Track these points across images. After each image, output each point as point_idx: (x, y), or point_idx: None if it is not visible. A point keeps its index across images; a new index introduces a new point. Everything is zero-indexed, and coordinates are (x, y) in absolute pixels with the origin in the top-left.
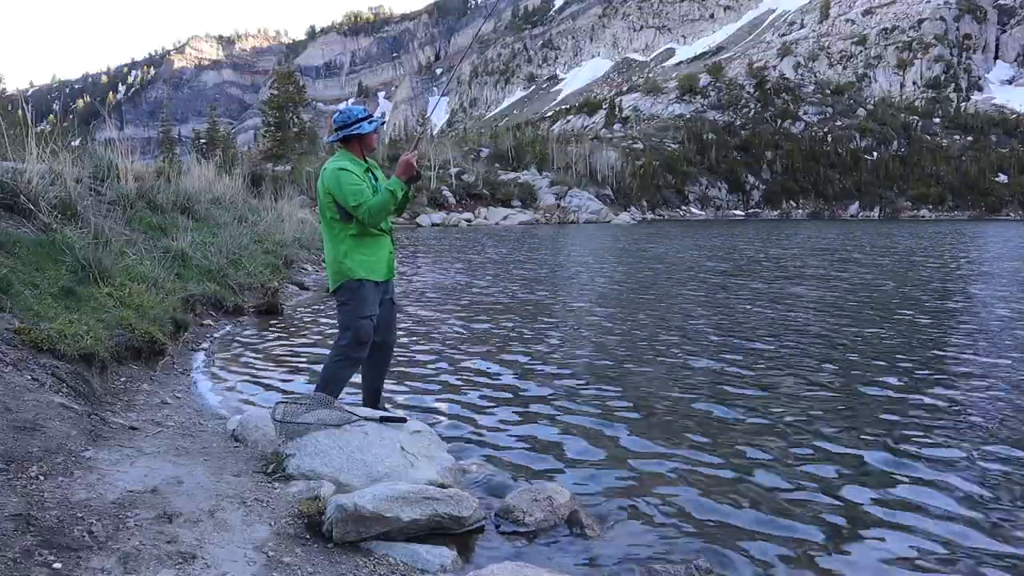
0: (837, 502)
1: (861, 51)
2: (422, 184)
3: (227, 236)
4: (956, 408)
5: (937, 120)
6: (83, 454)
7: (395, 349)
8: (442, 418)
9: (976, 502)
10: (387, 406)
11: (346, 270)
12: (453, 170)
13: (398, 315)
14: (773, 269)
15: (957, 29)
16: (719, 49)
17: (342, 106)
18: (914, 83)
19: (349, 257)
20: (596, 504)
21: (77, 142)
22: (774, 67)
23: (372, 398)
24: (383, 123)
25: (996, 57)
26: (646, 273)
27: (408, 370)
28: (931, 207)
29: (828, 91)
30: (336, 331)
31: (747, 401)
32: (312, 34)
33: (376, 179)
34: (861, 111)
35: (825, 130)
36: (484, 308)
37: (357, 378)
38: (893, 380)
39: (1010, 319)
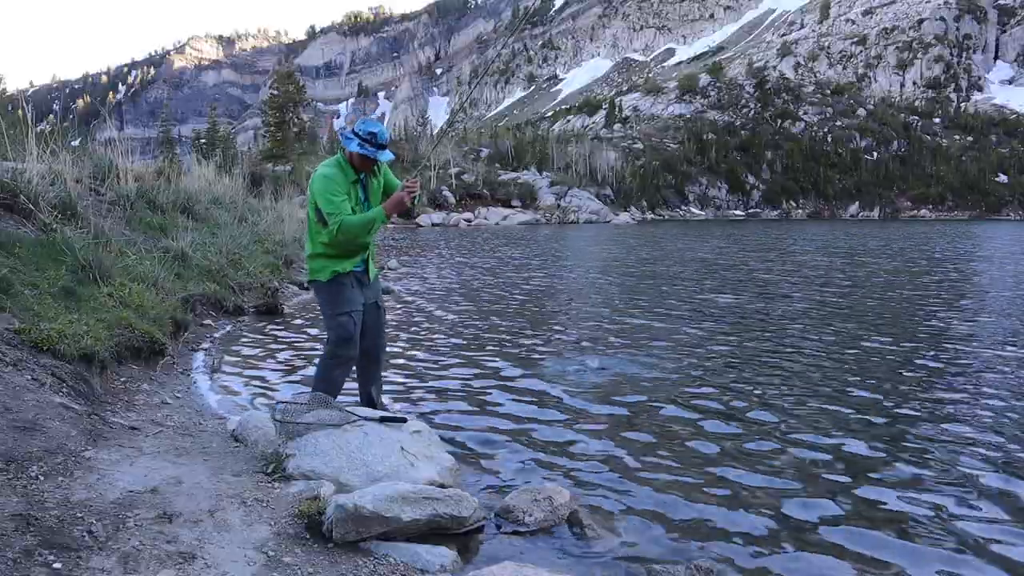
0: (838, 501)
1: (861, 51)
2: (422, 185)
3: (227, 236)
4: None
5: (937, 120)
6: (83, 454)
7: (395, 348)
8: (442, 418)
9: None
10: (386, 403)
11: (317, 268)
12: (453, 170)
13: (400, 316)
14: (728, 273)
15: (957, 29)
16: (719, 49)
17: (376, 122)
18: (914, 83)
19: (320, 259)
20: (596, 504)
21: (77, 142)
22: (774, 67)
23: (368, 404)
24: (375, 158)
25: (996, 57)
26: (636, 273)
27: (408, 371)
28: (931, 207)
29: (828, 91)
30: None
31: (745, 402)
32: (312, 34)
33: (366, 188)
34: (861, 111)
35: (825, 130)
36: (482, 308)
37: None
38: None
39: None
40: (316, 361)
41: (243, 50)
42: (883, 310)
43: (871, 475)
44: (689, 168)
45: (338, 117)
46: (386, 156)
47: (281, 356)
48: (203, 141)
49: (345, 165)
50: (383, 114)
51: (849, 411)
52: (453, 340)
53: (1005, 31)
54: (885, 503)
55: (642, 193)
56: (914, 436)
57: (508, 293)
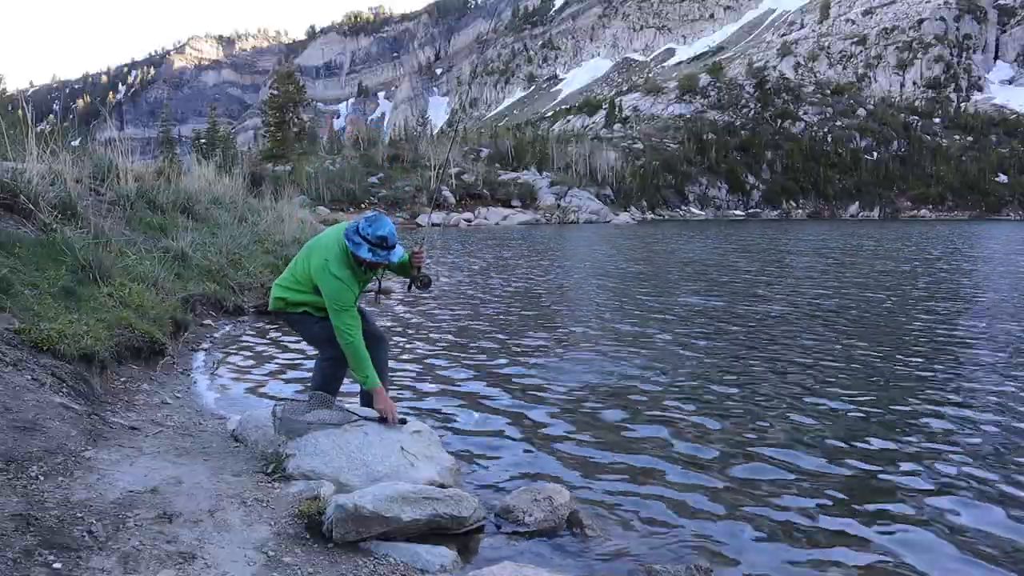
0: (838, 501)
1: (861, 51)
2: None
3: (227, 236)
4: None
5: (937, 120)
6: (83, 454)
7: (394, 349)
8: (442, 418)
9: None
10: None
11: (286, 306)
12: (453, 170)
13: (399, 316)
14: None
15: (957, 29)
16: (719, 49)
17: (383, 220)
18: (914, 83)
19: (302, 306)
20: (596, 504)
21: (77, 142)
22: (774, 67)
23: (368, 404)
24: (389, 261)
25: (996, 57)
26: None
27: (407, 371)
28: (931, 207)
29: (828, 91)
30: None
31: (744, 404)
32: (312, 34)
33: (365, 278)
34: (861, 111)
35: (825, 130)
36: (481, 309)
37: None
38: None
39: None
40: (314, 362)
41: (243, 50)
42: (872, 313)
43: (870, 475)
44: (689, 168)
45: (338, 117)
46: (397, 255)
47: (281, 356)
48: (203, 141)
49: (354, 264)
50: (383, 114)
51: (848, 412)
52: (452, 340)
53: (1005, 31)
54: (884, 503)
55: (642, 193)
56: (911, 436)
57: (506, 293)
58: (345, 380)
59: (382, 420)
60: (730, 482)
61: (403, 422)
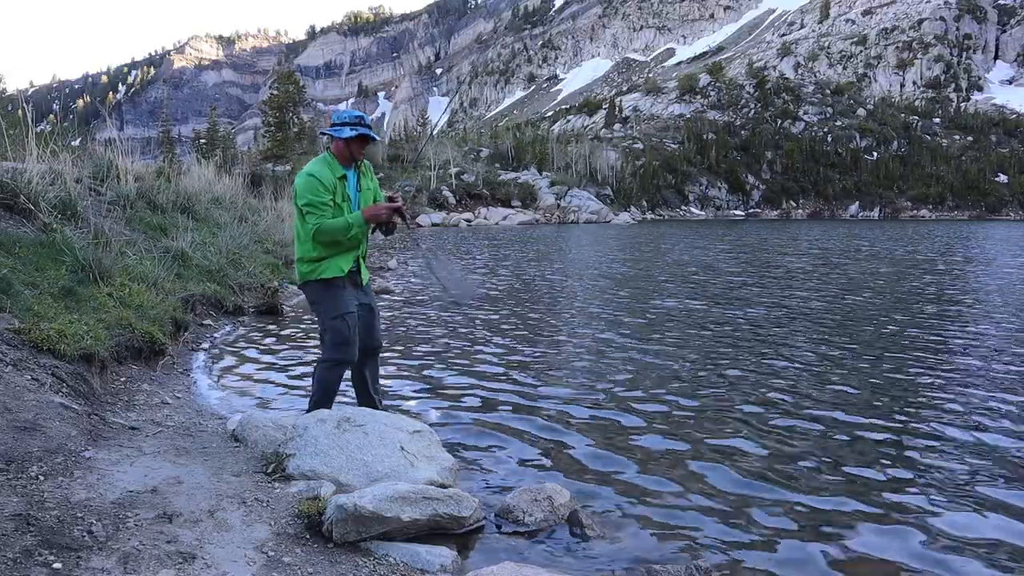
0: (837, 502)
1: (861, 51)
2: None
3: (227, 236)
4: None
5: (937, 120)
6: (83, 454)
7: (395, 349)
8: (442, 418)
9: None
10: (385, 405)
11: (308, 271)
12: (453, 170)
13: (399, 316)
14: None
15: (957, 29)
16: (719, 49)
17: (341, 106)
18: (914, 83)
19: (310, 263)
20: (596, 504)
21: (77, 142)
22: (774, 67)
23: (365, 405)
24: (370, 135)
25: (996, 57)
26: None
27: (407, 370)
28: (931, 207)
29: (828, 91)
30: None
31: (743, 406)
32: (312, 34)
33: (356, 185)
34: (861, 111)
35: (825, 130)
36: (480, 309)
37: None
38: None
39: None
40: (315, 363)
41: (243, 50)
42: (860, 316)
43: (869, 476)
44: (689, 168)
45: None
46: (376, 138)
47: (281, 356)
48: (203, 141)
49: (332, 161)
50: (383, 114)
51: (845, 415)
52: (451, 340)
53: (1005, 31)
54: (883, 504)
55: (642, 193)
56: (904, 438)
57: (505, 293)
58: (344, 380)
59: (376, 405)
60: (730, 482)
61: (393, 208)
